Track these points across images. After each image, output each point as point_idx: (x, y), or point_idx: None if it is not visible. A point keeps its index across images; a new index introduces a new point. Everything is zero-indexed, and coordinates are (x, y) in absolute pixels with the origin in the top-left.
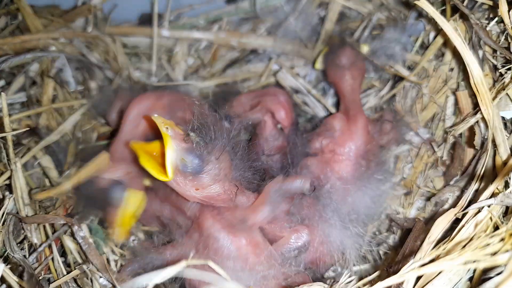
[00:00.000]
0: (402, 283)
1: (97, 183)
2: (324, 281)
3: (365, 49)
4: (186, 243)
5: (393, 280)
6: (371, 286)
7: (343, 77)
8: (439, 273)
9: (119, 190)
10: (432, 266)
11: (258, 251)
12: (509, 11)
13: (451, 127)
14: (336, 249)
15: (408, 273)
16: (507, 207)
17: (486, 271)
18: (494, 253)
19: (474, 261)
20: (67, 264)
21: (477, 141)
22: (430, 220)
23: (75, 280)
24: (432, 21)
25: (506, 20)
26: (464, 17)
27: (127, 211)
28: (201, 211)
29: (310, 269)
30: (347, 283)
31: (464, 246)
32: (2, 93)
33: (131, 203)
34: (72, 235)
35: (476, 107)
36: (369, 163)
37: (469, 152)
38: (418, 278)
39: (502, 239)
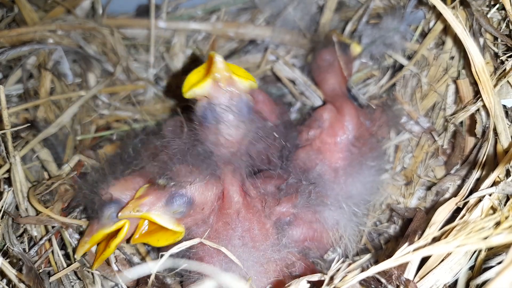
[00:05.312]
0: (403, 272)
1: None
2: (326, 264)
3: (357, 49)
4: None
5: (388, 263)
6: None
7: (322, 78)
8: (440, 262)
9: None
10: (426, 250)
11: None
12: None
13: (451, 115)
14: (331, 227)
15: (402, 256)
16: (507, 196)
17: (487, 260)
18: (487, 237)
19: (468, 244)
20: (67, 257)
21: (478, 129)
22: (431, 210)
23: (75, 273)
24: (432, 9)
25: (508, 6)
26: (464, 4)
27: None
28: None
29: (308, 251)
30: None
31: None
32: (1, 85)
33: (120, 232)
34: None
35: (477, 95)
36: (361, 151)
37: (470, 141)
38: (419, 267)
39: (498, 223)
